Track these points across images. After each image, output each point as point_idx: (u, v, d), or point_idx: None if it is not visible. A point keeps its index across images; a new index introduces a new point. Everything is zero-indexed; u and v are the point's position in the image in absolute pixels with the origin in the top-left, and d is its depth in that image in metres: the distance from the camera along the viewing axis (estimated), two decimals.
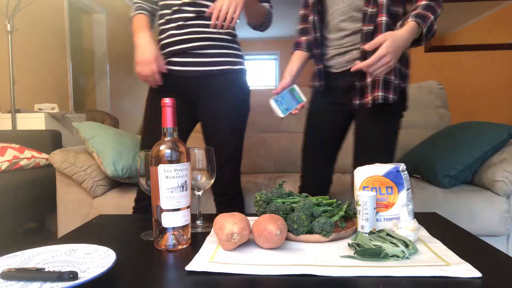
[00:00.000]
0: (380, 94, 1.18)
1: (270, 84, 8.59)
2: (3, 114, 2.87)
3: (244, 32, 8.25)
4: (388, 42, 1.00)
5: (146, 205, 1.35)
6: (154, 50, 1.26)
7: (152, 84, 1.32)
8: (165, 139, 0.83)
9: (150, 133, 1.36)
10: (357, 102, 1.26)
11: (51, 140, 2.44)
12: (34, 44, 3.54)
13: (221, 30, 1.31)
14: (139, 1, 1.39)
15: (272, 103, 1.23)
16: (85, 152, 1.78)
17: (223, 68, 1.32)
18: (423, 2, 1.10)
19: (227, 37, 1.34)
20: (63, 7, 4.00)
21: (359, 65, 1.04)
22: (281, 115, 1.23)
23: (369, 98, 1.21)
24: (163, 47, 1.35)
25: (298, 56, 1.37)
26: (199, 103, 1.36)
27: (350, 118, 1.38)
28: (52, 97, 3.78)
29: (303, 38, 1.38)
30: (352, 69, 1.09)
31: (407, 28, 1.04)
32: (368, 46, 1.03)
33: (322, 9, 1.32)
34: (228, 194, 1.40)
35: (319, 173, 1.44)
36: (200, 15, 1.29)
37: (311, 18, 1.32)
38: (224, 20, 1.13)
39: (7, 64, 2.72)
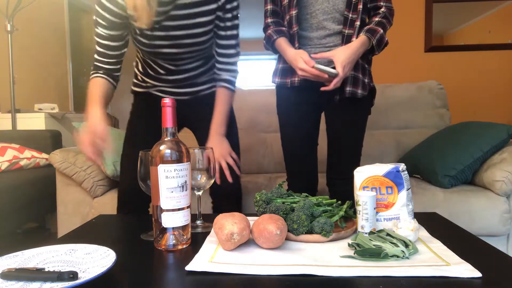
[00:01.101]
0: (348, 89, 1.32)
1: (270, 84, 8.59)
2: (3, 114, 2.87)
3: (244, 32, 8.25)
4: (340, 59, 1.21)
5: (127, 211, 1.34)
6: (103, 131, 1.08)
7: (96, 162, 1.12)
8: (165, 139, 0.83)
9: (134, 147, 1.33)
10: (337, 97, 1.35)
11: (51, 140, 2.44)
12: (34, 44, 3.54)
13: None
14: (99, 58, 1.25)
15: (321, 66, 1.20)
16: None
17: (212, 86, 1.38)
18: (377, 19, 1.30)
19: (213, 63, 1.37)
20: (63, 6, 4.00)
21: (330, 86, 1.23)
22: (336, 71, 1.21)
23: (345, 93, 1.33)
24: (148, 82, 1.36)
25: (287, 42, 1.33)
26: (191, 118, 1.40)
27: (320, 112, 1.47)
28: (52, 97, 3.78)
29: (283, 28, 1.35)
30: (322, 89, 1.25)
31: (358, 41, 1.25)
32: (319, 56, 1.24)
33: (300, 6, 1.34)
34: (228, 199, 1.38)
35: (303, 172, 1.48)
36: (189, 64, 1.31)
37: (292, 12, 1.31)
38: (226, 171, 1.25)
39: (7, 64, 2.72)
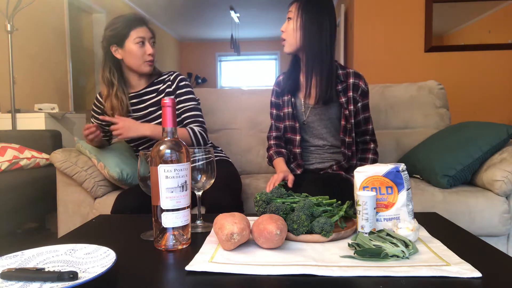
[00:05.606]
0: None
1: (269, 84, 8.60)
2: (3, 114, 2.87)
3: (244, 32, 8.25)
4: None
5: None
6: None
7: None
8: (165, 139, 0.83)
9: None
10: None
11: (51, 140, 2.44)
12: (34, 44, 3.54)
13: None
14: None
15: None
16: None
17: None
18: (370, 156, 1.50)
19: None
20: (63, 7, 4.00)
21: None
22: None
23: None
24: None
25: (283, 161, 1.53)
26: None
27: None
28: (52, 97, 3.78)
29: (282, 150, 1.57)
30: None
31: None
32: None
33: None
34: None
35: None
36: None
37: (296, 150, 1.54)
38: None
39: (7, 64, 2.72)
